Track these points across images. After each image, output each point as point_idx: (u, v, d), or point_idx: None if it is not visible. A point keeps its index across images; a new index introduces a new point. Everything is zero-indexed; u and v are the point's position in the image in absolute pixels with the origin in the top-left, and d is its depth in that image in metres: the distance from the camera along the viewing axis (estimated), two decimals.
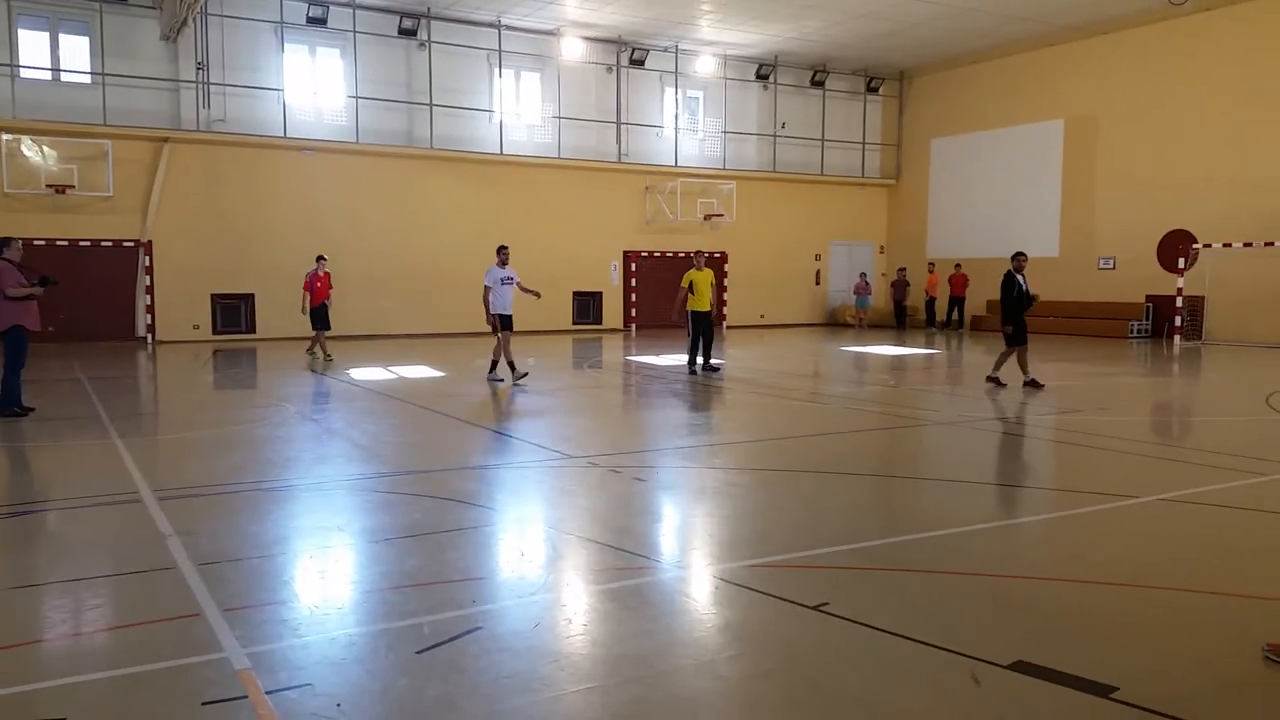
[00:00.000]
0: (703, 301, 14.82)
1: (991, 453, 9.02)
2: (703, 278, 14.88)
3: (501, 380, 13.71)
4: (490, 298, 13.67)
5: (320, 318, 17.29)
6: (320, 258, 17.50)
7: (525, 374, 13.89)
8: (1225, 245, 21.34)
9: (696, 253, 15.93)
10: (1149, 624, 4.39)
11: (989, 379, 13.33)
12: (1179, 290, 22.13)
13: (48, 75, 20.68)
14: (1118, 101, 24.33)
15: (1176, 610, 4.58)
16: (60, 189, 20.21)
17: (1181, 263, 22.06)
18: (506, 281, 13.81)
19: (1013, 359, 13.36)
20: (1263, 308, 21.32)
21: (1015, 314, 13.08)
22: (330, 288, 17.47)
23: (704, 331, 14.97)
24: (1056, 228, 25.72)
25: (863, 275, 28.69)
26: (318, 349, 17.57)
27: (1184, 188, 22.78)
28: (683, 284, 14.92)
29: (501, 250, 13.93)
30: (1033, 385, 12.96)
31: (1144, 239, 23.40)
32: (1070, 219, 25.49)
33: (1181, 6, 21.60)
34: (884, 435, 10.23)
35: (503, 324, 13.76)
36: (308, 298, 17.23)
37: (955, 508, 6.70)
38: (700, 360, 15.01)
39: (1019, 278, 13.09)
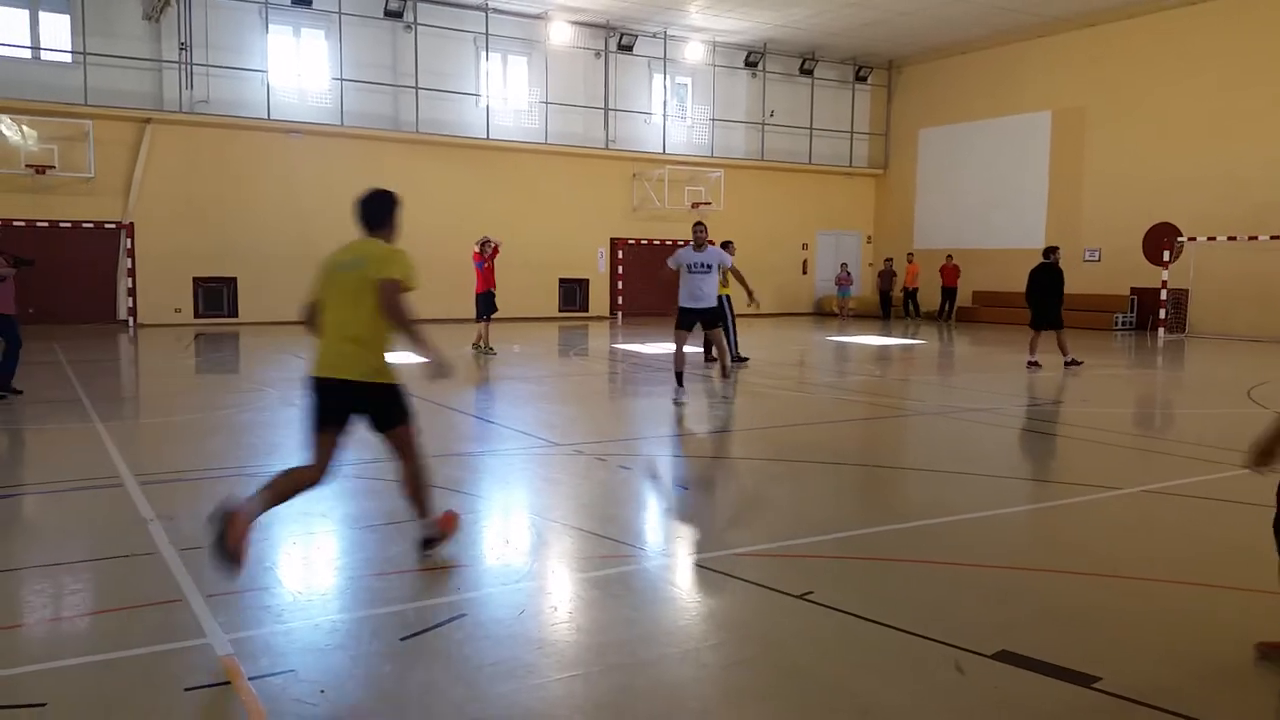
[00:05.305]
0: None
1: (974, 443, 9.05)
2: None
3: (684, 402, 10.66)
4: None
5: (483, 304, 15.77)
6: (485, 240, 15.94)
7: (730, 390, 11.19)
8: (1210, 239, 21.45)
9: (725, 243, 13.45)
10: (1132, 615, 4.42)
11: (1066, 363, 14.37)
12: (1163, 283, 22.24)
13: (27, 54, 20.41)
14: (1105, 94, 24.37)
15: (1159, 602, 4.62)
16: (40, 169, 19.97)
17: (1166, 256, 22.17)
18: (700, 269, 10.50)
19: (1052, 341, 14.66)
20: (1246, 301, 21.46)
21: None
22: (488, 271, 15.84)
23: (702, 324, 13.76)
24: (1043, 219, 25.81)
25: (844, 266, 28.74)
26: (483, 342, 15.84)
27: (1169, 181, 22.85)
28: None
29: (697, 228, 10.70)
30: (1073, 364, 14.37)
31: (1129, 231, 23.49)
32: (1056, 211, 25.58)
33: None
34: (868, 425, 10.26)
35: (682, 320, 10.65)
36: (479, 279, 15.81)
37: (939, 497, 6.72)
38: (708, 355, 13.64)
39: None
